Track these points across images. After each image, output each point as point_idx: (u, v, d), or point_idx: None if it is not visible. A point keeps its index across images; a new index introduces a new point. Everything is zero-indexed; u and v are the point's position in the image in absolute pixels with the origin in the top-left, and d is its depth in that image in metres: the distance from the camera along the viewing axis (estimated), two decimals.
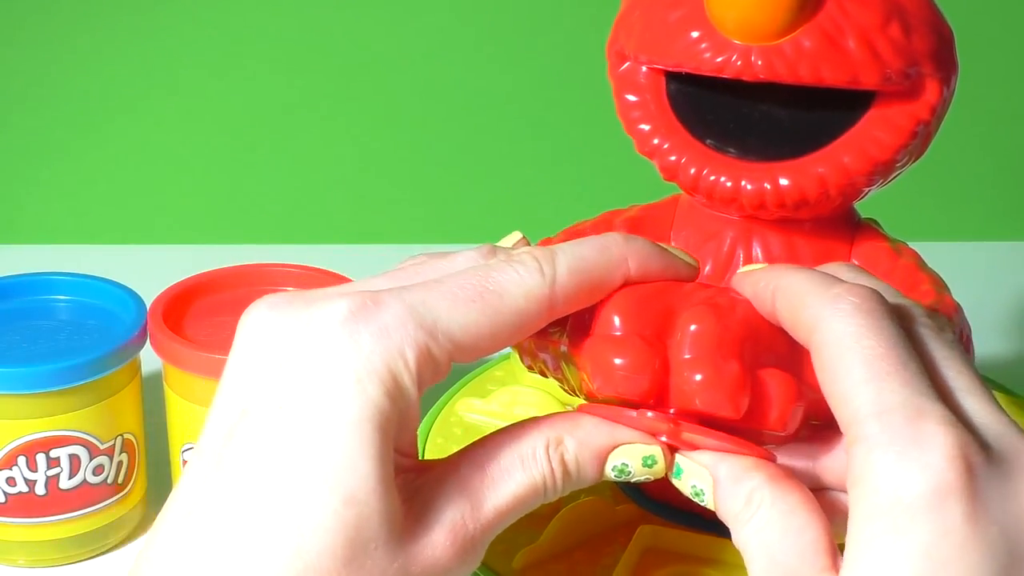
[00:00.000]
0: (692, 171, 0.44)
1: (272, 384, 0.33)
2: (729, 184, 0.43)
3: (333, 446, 0.31)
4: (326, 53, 0.82)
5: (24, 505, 0.52)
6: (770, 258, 0.45)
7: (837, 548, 0.32)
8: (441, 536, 0.33)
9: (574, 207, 0.82)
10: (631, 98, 0.45)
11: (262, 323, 0.34)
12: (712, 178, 0.44)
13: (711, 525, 0.45)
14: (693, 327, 0.34)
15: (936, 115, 0.43)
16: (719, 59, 0.42)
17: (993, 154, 0.87)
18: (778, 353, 0.35)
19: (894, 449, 0.30)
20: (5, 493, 0.52)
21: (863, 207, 0.47)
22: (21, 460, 0.51)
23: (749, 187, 0.43)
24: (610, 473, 0.36)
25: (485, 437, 0.36)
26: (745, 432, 0.35)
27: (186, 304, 0.56)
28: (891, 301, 0.34)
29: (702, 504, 0.35)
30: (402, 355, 0.32)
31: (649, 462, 0.35)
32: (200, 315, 0.55)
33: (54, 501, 0.52)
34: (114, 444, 0.53)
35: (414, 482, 0.34)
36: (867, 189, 0.44)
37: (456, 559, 0.33)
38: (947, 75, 0.43)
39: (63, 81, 0.81)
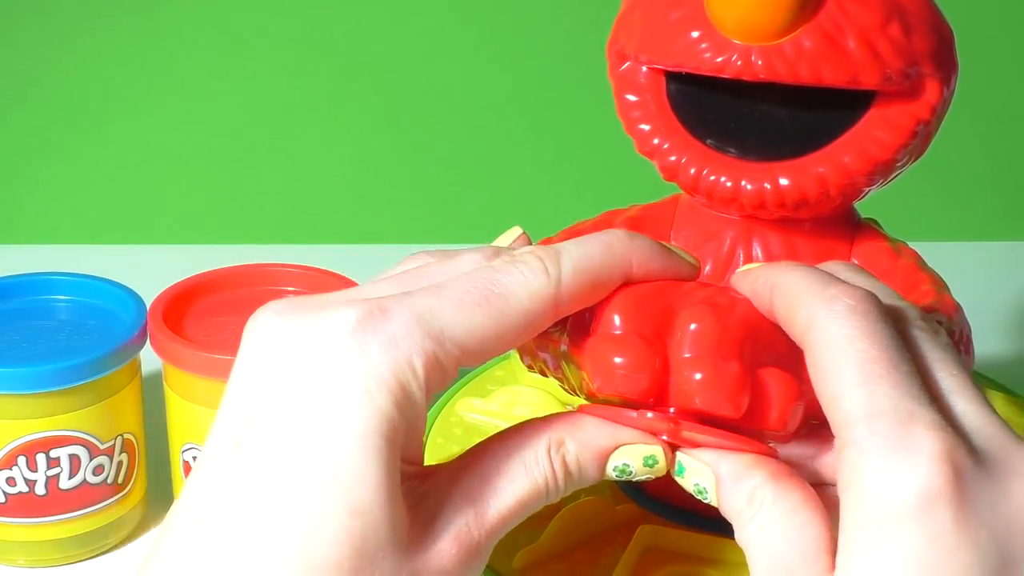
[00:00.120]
0: (692, 171, 0.44)
1: (279, 394, 0.32)
2: (729, 184, 0.43)
3: (341, 457, 0.31)
4: (326, 53, 0.82)
5: (24, 505, 0.52)
6: (770, 258, 0.45)
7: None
8: (447, 545, 0.33)
9: (574, 207, 0.82)
10: (631, 98, 0.45)
11: (269, 330, 0.34)
12: (712, 178, 0.44)
13: (711, 524, 0.45)
14: (693, 326, 0.34)
15: (936, 115, 0.43)
16: (719, 59, 0.42)
17: (993, 154, 0.87)
18: (778, 352, 0.35)
19: (883, 454, 0.30)
20: (5, 493, 0.52)
21: (863, 207, 0.47)
22: (21, 460, 0.51)
23: (749, 187, 0.43)
24: (611, 473, 0.36)
25: (487, 440, 0.36)
26: (745, 432, 0.35)
27: (186, 304, 0.56)
28: (887, 303, 0.34)
29: (706, 501, 0.35)
30: (410, 365, 0.32)
31: (650, 462, 0.35)
32: (200, 315, 0.55)
33: (54, 501, 0.52)
34: (114, 444, 0.53)
35: (418, 489, 0.34)
36: (867, 189, 0.44)
37: (462, 566, 0.33)
38: (947, 75, 0.43)
39: (63, 81, 0.81)
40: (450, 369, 0.33)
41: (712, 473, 0.35)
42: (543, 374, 0.40)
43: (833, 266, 0.37)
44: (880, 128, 0.43)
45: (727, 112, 0.44)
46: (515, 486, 0.34)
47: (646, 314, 0.35)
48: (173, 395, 0.53)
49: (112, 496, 0.54)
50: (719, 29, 0.41)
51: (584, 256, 0.35)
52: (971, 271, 0.79)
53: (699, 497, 0.35)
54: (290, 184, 0.85)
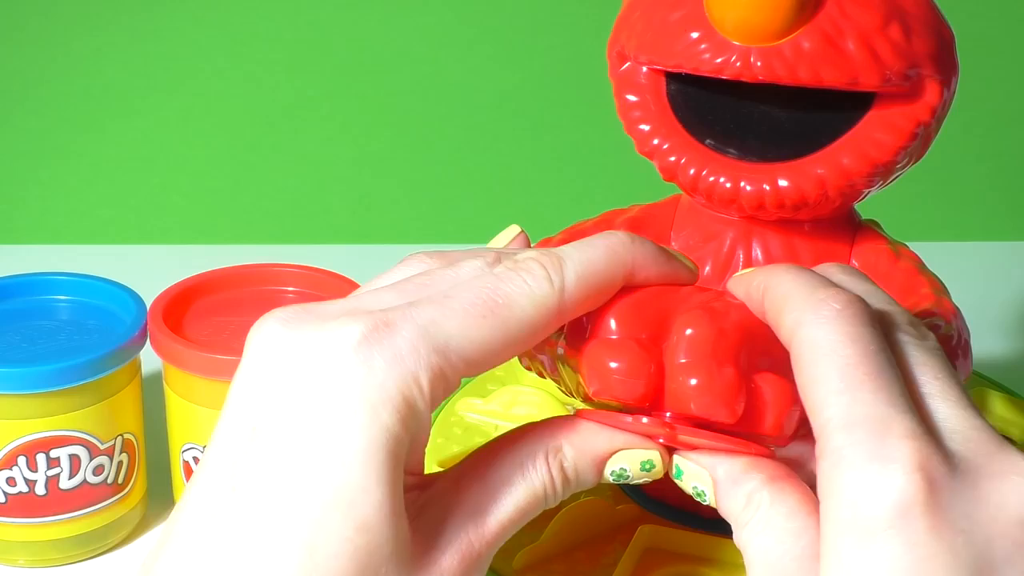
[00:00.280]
0: (692, 172, 0.44)
1: (284, 406, 0.32)
2: (728, 185, 0.43)
3: (346, 473, 0.31)
4: (326, 53, 0.82)
5: (24, 505, 0.52)
6: (770, 259, 0.45)
7: None
8: (449, 560, 0.33)
9: (574, 207, 0.82)
10: (631, 98, 0.45)
11: (274, 340, 0.33)
12: (712, 179, 0.44)
13: (711, 524, 0.45)
14: (689, 331, 0.34)
15: (936, 117, 0.43)
16: (719, 60, 0.42)
17: (993, 155, 0.87)
18: (774, 357, 0.35)
19: (858, 463, 0.30)
20: (5, 493, 0.52)
21: (863, 207, 0.47)
22: (21, 460, 0.51)
23: (748, 188, 0.43)
24: (609, 477, 0.36)
25: (485, 448, 0.36)
26: (742, 436, 0.35)
27: (186, 304, 0.56)
28: (877, 307, 0.34)
29: (705, 503, 0.35)
30: (416, 380, 0.32)
31: (647, 466, 0.35)
32: (200, 315, 0.55)
33: (54, 501, 0.52)
34: (114, 444, 0.53)
35: (419, 499, 0.34)
36: (867, 190, 0.44)
37: None
38: (947, 77, 0.43)
39: (63, 81, 0.81)
40: (454, 381, 0.33)
41: (709, 476, 0.35)
42: (540, 375, 0.41)
43: (828, 268, 0.37)
44: (880, 130, 0.43)
45: (727, 113, 0.44)
46: (515, 495, 0.34)
47: (642, 319, 0.35)
48: (173, 395, 0.53)
49: (112, 496, 0.54)
50: (719, 30, 0.41)
51: (587, 262, 0.35)
52: (971, 271, 0.79)
53: (698, 499, 0.35)
54: (290, 184, 0.85)
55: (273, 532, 0.31)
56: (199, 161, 0.84)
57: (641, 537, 0.46)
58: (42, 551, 0.53)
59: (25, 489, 0.52)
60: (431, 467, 0.49)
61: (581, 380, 0.35)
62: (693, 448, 0.35)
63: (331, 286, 0.57)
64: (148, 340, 0.54)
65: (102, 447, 0.52)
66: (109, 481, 0.53)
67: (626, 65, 0.46)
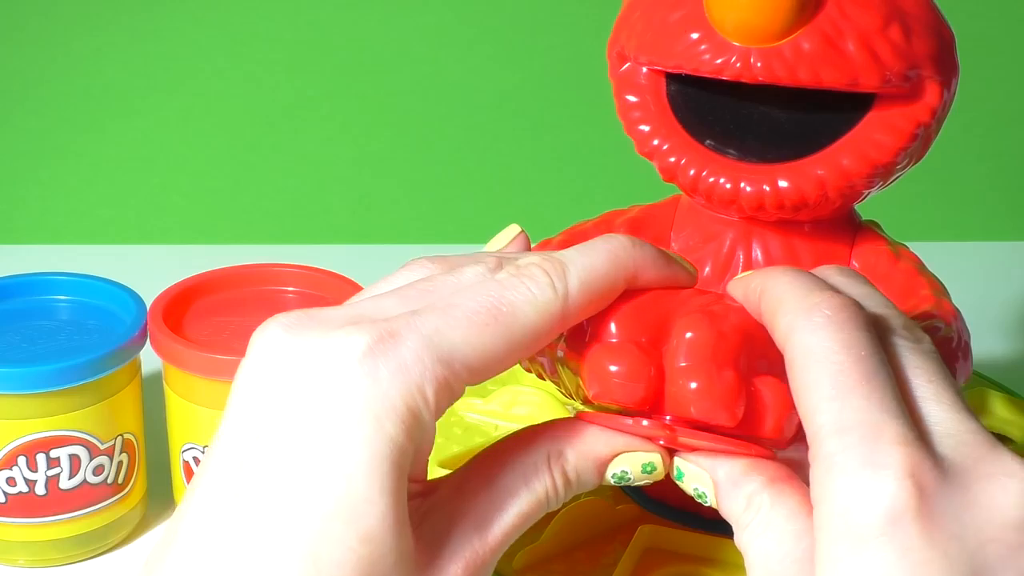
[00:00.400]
0: (691, 172, 0.44)
1: (289, 415, 0.32)
2: (728, 186, 0.43)
3: (351, 484, 0.31)
4: (326, 53, 0.82)
5: (24, 505, 0.52)
6: (769, 260, 0.45)
7: None
8: (455, 568, 0.33)
9: (574, 207, 0.82)
10: (631, 99, 0.45)
11: (277, 346, 0.33)
12: (711, 179, 0.44)
13: (711, 525, 0.45)
14: (689, 335, 0.34)
15: (936, 118, 0.43)
16: (718, 61, 0.42)
17: (993, 155, 0.87)
18: (773, 360, 0.35)
19: (850, 470, 0.31)
20: (5, 493, 0.52)
21: (863, 207, 0.47)
22: (21, 460, 0.51)
23: (748, 189, 0.43)
24: (610, 479, 0.36)
25: (487, 453, 0.36)
26: (742, 439, 0.35)
27: (186, 304, 0.56)
28: (872, 311, 0.34)
29: (707, 505, 0.35)
30: (421, 391, 0.32)
31: (648, 468, 0.36)
32: (200, 315, 0.55)
33: (54, 501, 0.52)
34: (114, 444, 0.53)
35: (421, 507, 0.34)
36: (867, 191, 0.44)
37: None
38: (948, 78, 0.43)
39: (63, 81, 0.81)
40: (458, 390, 0.33)
41: (710, 478, 0.35)
42: (540, 377, 0.41)
43: (826, 271, 0.37)
44: (880, 131, 0.43)
45: (727, 113, 0.44)
46: (518, 501, 0.34)
47: (642, 322, 0.35)
48: (173, 395, 0.53)
49: (112, 496, 0.54)
50: (718, 31, 0.41)
51: (590, 267, 0.35)
52: (971, 271, 0.79)
53: (700, 501, 0.35)
54: (290, 184, 0.85)
55: (277, 541, 0.31)
56: (199, 161, 0.84)
57: (641, 537, 0.46)
58: (42, 551, 0.53)
59: (25, 489, 0.52)
60: (432, 468, 0.49)
61: (581, 383, 0.35)
62: (694, 450, 0.35)
63: (331, 286, 0.57)
64: (148, 340, 0.54)
65: (102, 447, 0.52)
66: (109, 481, 0.53)
67: (626, 66, 0.46)
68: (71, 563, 0.54)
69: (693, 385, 0.34)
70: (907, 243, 0.47)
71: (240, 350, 0.34)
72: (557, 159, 0.85)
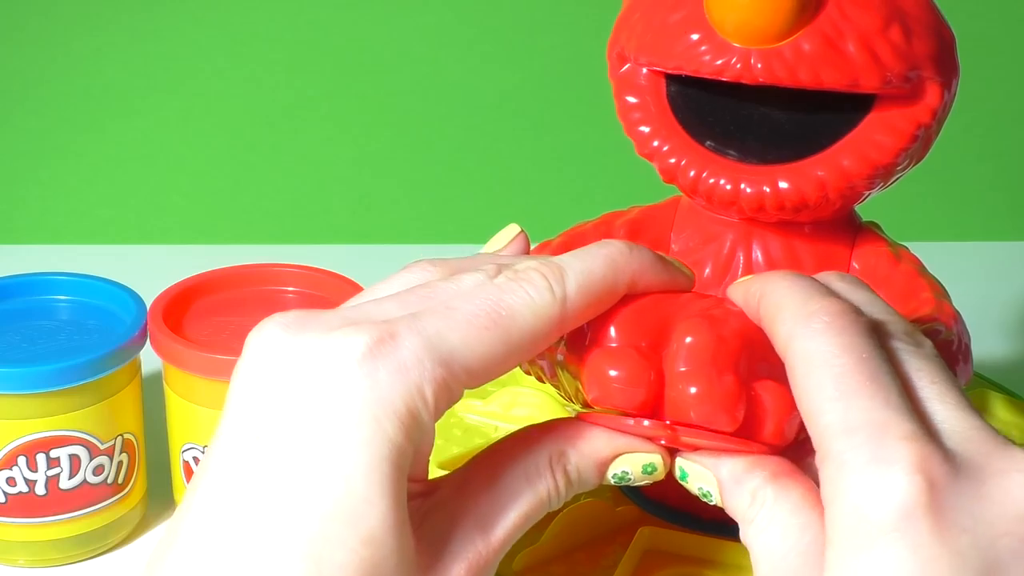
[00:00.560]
0: (692, 173, 0.44)
1: (289, 416, 0.32)
2: (728, 187, 0.43)
3: (351, 486, 0.31)
4: (326, 53, 0.82)
5: (24, 505, 0.52)
6: (770, 261, 0.45)
7: None
8: (458, 569, 0.33)
9: (574, 207, 0.82)
10: (631, 100, 0.45)
11: (276, 345, 0.33)
12: (712, 181, 0.44)
13: (711, 526, 0.45)
14: (688, 339, 0.34)
15: (937, 119, 0.43)
16: (719, 62, 0.41)
17: (993, 155, 0.87)
18: (773, 364, 0.35)
19: (859, 467, 0.31)
20: (5, 493, 0.52)
21: (863, 206, 0.47)
22: (21, 460, 0.51)
23: (748, 190, 0.43)
24: (610, 479, 0.36)
25: (488, 452, 0.36)
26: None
27: (186, 304, 0.56)
28: (873, 317, 0.34)
29: (712, 504, 0.35)
30: (420, 392, 0.32)
31: (649, 469, 0.36)
32: (200, 315, 0.55)
33: (54, 501, 0.52)
34: (114, 444, 0.53)
35: (422, 507, 0.34)
36: (867, 192, 0.44)
37: None
38: (948, 79, 0.43)
39: (63, 81, 0.81)
40: (457, 393, 0.33)
41: (714, 477, 0.35)
42: (540, 380, 0.40)
43: (828, 276, 0.37)
44: (880, 132, 0.43)
45: (727, 115, 0.44)
46: (520, 501, 0.34)
47: (642, 326, 0.35)
48: (173, 395, 0.53)
49: (112, 496, 0.54)
50: (719, 32, 0.41)
51: (587, 271, 0.35)
52: (971, 271, 0.79)
53: (705, 500, 0.35)
54: (290, 184, 0.85)
55: (279, 544, 0.31)
56: (199, 161, 0.84)
57: (641, 539, 0.46)
58: (42, 551, 0.53)
59: (25, 489, 0.52)
60: (431, 470, 0.49)
61: (581, 387, 0.35)
62: (695, 449, 0.35)
63: (331, 286, 0.57)
64: (148, 340, 0.54)
65: (102, 447, 0.52)
66: (109, 481, 0.53)
67: (626, 67, 0.46)
68: (71, 563, 0.54)
69: (693, 389, 0.34)
70: (907, 243, 0.47)
71: (240, 350, 0.34)
72: (557, 159, 0.85)
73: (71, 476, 0.52)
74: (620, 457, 0.36)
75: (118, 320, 0.55)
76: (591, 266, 0.35)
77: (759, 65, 0.41)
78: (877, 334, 0.34)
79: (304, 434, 0.32)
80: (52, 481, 0.52)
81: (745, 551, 0.34)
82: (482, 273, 0.35)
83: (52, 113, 0.82)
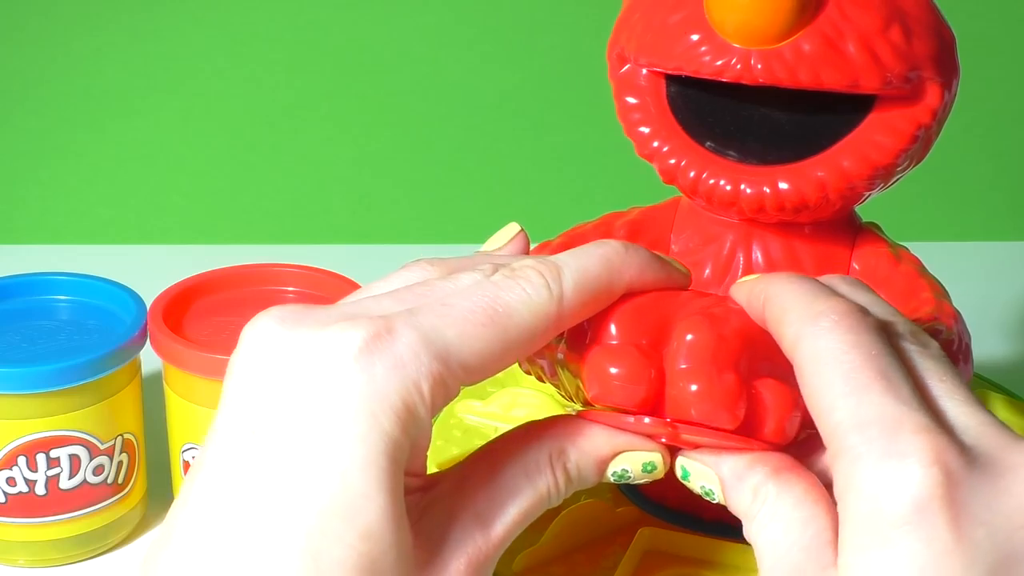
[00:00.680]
0: (692, 174, 0.44)
1: (285, 411, 0.32)
2: (728, 187, 0.43)
3: (348, 480, 0.31)
4: (326, 53, 0.82)
5: (24, 505, 0.52)
6: (770, 261, 0.45)
7: None
8: (457, 564, 0.33)
9: (574, 208, 0.82)
10: (631, 100, 0.45)
11: (271, 339, 0.33)
12: (712, 181, 0.44)
13: (711, 527, 0.45)
14: (689, 337, 0.34)
15: (937, 119, 0.43)
16: (719, 62, 0.41)
17: (993, 155, 0.87)
18: (774, 362, 0.35)
19: (874, 460, 0.31)
20: (5, 493, 0.52)
21: (863, 206, 0.47)
22: (21, 460, 0.51)
23: (748, 191, 0.43)
24: (610, 477, 0.36)
25: (488, 449, 0.36)
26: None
27: (186, 304, 0.56)
28: (879, 318, 0.34)
29: (715, 502, 0.35)
30: (417, 387, 0.32)
31: (648, 467, 0.36)
32: (200, 315, 0.55)
33: (54, 501, 0.52)
34: (114, 444, 0.53)
35: (421, 501, 0.34)
36: (867, 193, 0.44)
37: None
38: (948, 79, 0.43)
39: (63, 81, 0.81)
40: (454, 389, 0.33)
41: (715, 475, 0.35)
42: (540, 379, 0.40)
43: (831, 279, 0.37)
44: (880, 132, 0.43)
45: (727, 115, 0.44)
46: (520, 499, 0.35)
47: (642, 324, 0.35)
48: (173, 395, 0.53)
49: (112, 496, 0.54)
50: (719, 32, 0.41)
51: (584, 271, 0.35)
52: (971, 271, 0.79)
53: (708, 499, 0.35)
54: (290, 184, 0.85)
55: (276, 540, 0.31)
56: (199, 161, 0.84)
57: (641, 540, 0.46)
58: (42, 551, 0.53)
59: (25, 489, 0.52)
60: (431, 470, 0.49)
61: (581, 385, 0.35)
62: (696, 447, 0.35)
63: (331, 286, 0.57)
64: (148, 340, 0.54)
65: (102, 447, 0.52)
66: (109, 481, 0.53)
67: (626, 67, 0.46)
68: (71, 563, 0.54)
69: (693, 387, 0.34)
70: (907, 243, 0.47)
71: None
72: (557, 159, 0.85)
73: (71, 476, 0.52)
74: (620, 455, 0.36)
75: (118, 320, 0.55)
76: (587, 265, 0.35)
77: (759, 66, 0.41)
78: (885, 333, 0.34)
79: (300, 429, 0.32)
80: (52, 481, 0.52)
81: (745, 552, 0.34)
82: (479, 272, 0.35)
83: (52, 113, 0.82)
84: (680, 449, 0.36)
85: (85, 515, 0.53)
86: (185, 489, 0.33)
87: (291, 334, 0.33)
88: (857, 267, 0.46)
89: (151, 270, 0.65)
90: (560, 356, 0.37)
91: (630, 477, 0.36)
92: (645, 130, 0.45)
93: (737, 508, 0.35)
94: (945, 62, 0.43)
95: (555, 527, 0.45)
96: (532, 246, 0.44)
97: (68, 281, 0.57)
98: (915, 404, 0.31)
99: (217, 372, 0.51)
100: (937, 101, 0.43)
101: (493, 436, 0.52)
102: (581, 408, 0.37)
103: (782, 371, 0.34)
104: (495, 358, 0.33)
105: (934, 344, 0.35)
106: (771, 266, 0.45)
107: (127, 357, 0.53)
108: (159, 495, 0.57)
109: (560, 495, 0.35)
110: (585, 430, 0.36)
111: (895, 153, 0.43)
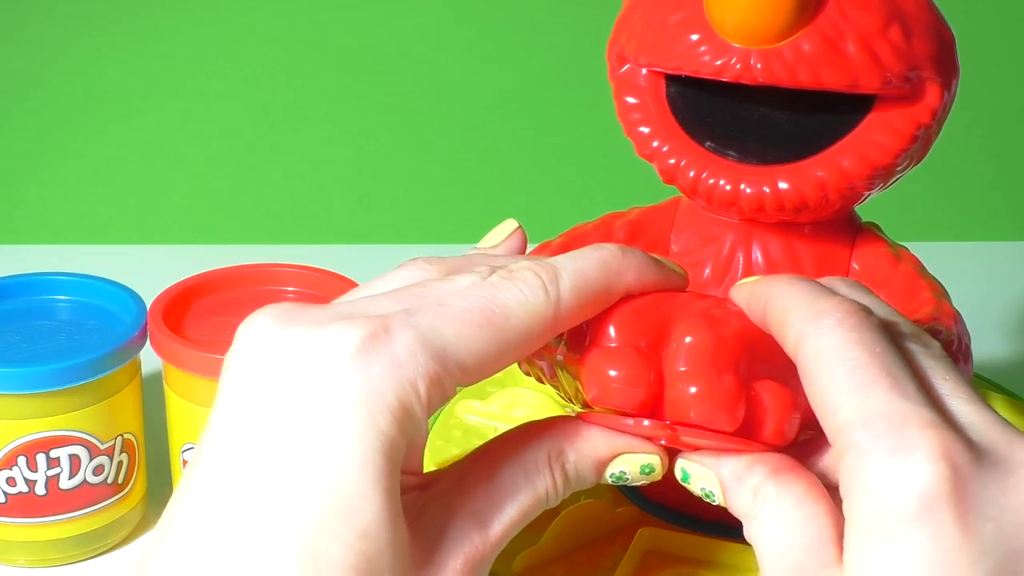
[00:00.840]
0: (691, 174, 0.44)
1: (281, 410, 0.32)
2: (728, 187, 0.43)
3: (345, 480, 0.31)
4: (326, 53, 0.82)
5: (24, 505, 0.52)
6: (770, 261, 0.45)
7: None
8: (454, 563, 0.33)
9: (574, 208, 0.82)
10: (631, 100, 0.45)
11: (268, 338, 0.33)
12: (711, 181, 0.44)
13: (711, 527, 0.45)
14: (688, 339, 0.34)
15: (937, 119, 0.43)
16: (718, 62, 0.41)
17: (993, 155, 0.87)
18: (774, 364, 0.35)
19: (881, 456, 0.30)
20: (5, 493, 0.52)
21: (863, 206, 0.47)
22: (21, 460, 0.51)
23: (748, 190, 0.43)
24: (608, 479, 0.36)
25: (487, 448, 0.36)
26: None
27: (186, 304, 0.56)
28: (881, 317, 0.34)
29: (716, 504, 0.35)
30: (414, 387, 0.32)
31: (647, 470, 0.36)
32: (200, 315, 0.55)
33: (54, 501, 0.52)
34: (114, 444, 0.53)
35: (418, 500, 0.34)
36: (867, 193, 0.44)
37: None
38: (948, 79, 0.43)
39: (63, 81, 0.81)
40: (451, 389, 0.33)
41: (715, 476, 0.35)
42: (539, 380, 0.40)
43: (832, 281, 0.37)
44: (880, 132, 0.43)
45: (727, 115, 0.44)
46: (518, 499, 0.34)
47: (642, 326, 0.35)
48: (173, 395, 0.53)
49: (112, 496, 0.54)
50: (718, 32, 0.41)
51: (581, 273, 0.35)
52: (971, 271, 0.79)
53: (708, 500, 0.35)
54: (290, 184, 0.85)
55: (273, 539, 0.31)
56: (199, 161, 0.84)
57: (641, 540, 0.46)
58: (42, 551, 0.53)
59: (25, 489, 0.52)
60: (430, 469, 0.49)
61: (580, 387, 0.35)
62: (695, 449, 0.35)
63: (331, 286, 0.57)
64: (148, 340, 0.54)
65: (102, 447, 0.52)
66: (109, 481, 0.53)
67: (626, 67, 0.46)
68: (71, 563, 0.54)
69: (693, 389, 0.34)
70: (907, 243, 0.47)
71: None
72: (557, 159, 0.85)
73: (71, 476, 0.52)
74: (619, 457, 0.36)
75: (118, 320, 0.55)
76: (585, 268, 0.35)
77: (759, 65, 0.41)
78: (888, 332, 0.34)
79: (297, 428, 0.32)
80: (52, 481, 0.52)
81: (745, 552, 0.34)
82: (477, 273, 0.35)
83: (52, 113, 0.82)
84: (680, 451, 0.36)
85: (85, 515, 0.53)
86: (181, 488, 0.33)
87: (287, 332, 0.33)
88: (857, 267, 0.46)
89: (151, 270, 0.65)
90: (559, 358, 0.37)
91: (628, 479, 0.36)
92: (645, 130, 0.45)
93: (737, 509, 0.35)
94: (945, 62, 0.43)
95: (555, 527, 0.45)
96: (532, 246, 0.44)
97: (68, 281, 0.57)
98: (921, 400, 0.31)
99: (217, 372, 0.50)
100: (937, 101, 0.43)
101: (493, 436, 0.52)
102: (580, 409, 0.37)
103: (781, 373, 0.34)
104: (492, 359, 0.33)
105: (936, 344, 0.35)
106: (771, 266, 0.45)
107: (127, 357, 0.53)
108: (159, 495, 0.57)
109: (558, 496, 0.35)
110: (584, 431, 0.36)
111: (895, 153, 0.43)
